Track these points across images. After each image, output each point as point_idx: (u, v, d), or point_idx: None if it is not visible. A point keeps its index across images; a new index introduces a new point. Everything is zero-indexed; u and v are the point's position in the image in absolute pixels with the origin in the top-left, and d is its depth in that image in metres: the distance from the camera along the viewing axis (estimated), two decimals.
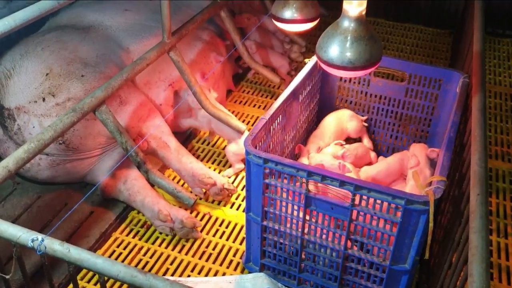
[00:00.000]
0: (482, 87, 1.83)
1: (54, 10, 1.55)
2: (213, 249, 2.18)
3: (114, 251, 2.17)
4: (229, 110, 3.03)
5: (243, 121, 2.93)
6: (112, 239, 2.22)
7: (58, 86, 2.14)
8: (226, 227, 2.29)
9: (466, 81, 2.12)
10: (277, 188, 1.79)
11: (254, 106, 3.10)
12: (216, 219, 2.33)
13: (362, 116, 2.48)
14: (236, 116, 2.99)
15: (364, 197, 1.66)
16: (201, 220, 2.31)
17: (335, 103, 2.52)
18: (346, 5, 1.45)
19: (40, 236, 1.27)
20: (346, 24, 1.48)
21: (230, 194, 2.35)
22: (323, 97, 2.50)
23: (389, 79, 2.45)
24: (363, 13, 1.46)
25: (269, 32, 3.37)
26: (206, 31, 2.86)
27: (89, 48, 2.38)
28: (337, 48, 1.49)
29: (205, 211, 2.34)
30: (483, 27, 2.26)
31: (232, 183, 2.49)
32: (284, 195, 1.80)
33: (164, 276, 2.02)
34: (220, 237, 2.24)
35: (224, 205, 2.38)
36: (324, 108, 2.52)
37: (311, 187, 1.74)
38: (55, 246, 1.26)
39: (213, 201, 2.40)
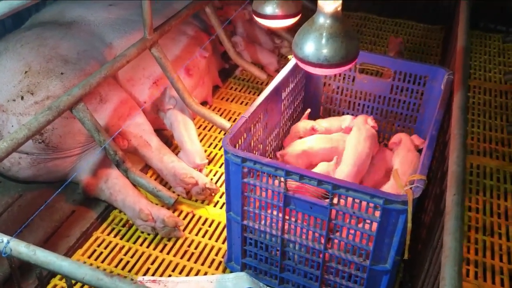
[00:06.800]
0: (464, 84, 1.81)
1: (26, 6, 1.51)
2: (195, 248, 2.16)
3: (95, 250, 2.15)
4: (215, 107, 3.03)
5: (229, 119, 2.90)
6: (93, 238, 2.20)
7: (37, 84, 2.11)
8: (209, 226, 2.26)
9: (451, 77, 2.09)
10: (256, 187, 1.77)
11: (241, 103, 3.07)
12: (199, 217, 2.30)
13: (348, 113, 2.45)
14: (222, 113, 2.97)
15: (343, 196, 1.63)
16: (184, 218, 2.28)
17: (320, 100, 2.49)
18: (321, 1, 1.42)
19: (5, 238, 1.25)
20: (322, 20, 1.45)
21: (212, 194, 2.32)
22: (308, 94, 2.47)
23: (377, 75, 2.43)
24: (339, 9, 1.43)
25: (257, 27, 3.33)
26: (190, 26, 2.83)
27: (70, 45, 2.35)
28: (313, 45, 1.46)
29: (188, 210, 2.32)
30: (468, 22, 2.23)
31: (216, 182, 2.46)
32: (263, 194, 1.77)
33: (144, 276, 2.01)
34: (203, 236, 2.21)
35: (208, 204, 2.36)
36: (309, 105, 2.48)
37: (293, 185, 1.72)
38: (21, 248, 1.23)
39: (196, 200, 2.37)
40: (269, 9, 1.94)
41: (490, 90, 3.20)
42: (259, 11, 1.96)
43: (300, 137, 2.23)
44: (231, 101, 3.09)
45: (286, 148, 2.21)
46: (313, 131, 2.25)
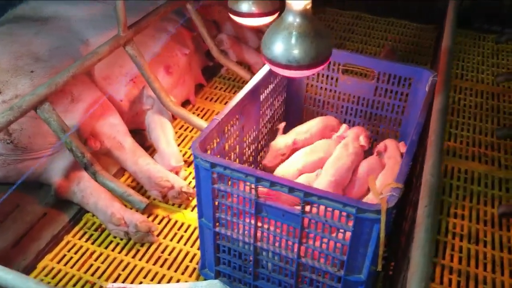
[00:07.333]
0: (446, 87, 1.73)
1: None
2: (169, 254, 2.08)
3: (64, 255, 2.07)
4: (198, 106, 2.95)
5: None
6: (64, 242, 2.13)
7: (5, 83, 2.03)
8: (185, 231, 2.19)
9: (435, 80, 2.01)
10: (227, 193, 1.69)
11: (225, 103, 2.99)
12: (175, 222, 2.23)
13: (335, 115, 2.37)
14: (205, 113, 2.89)
15: (315, 204, 1.56)
16: (159, 223, 2.21)
17: (303, 102, 2.41)
18: None
19: None
20: (290, 19, 1.37)
21: (189, 197, 2.25)
22: (290, 95, 2.39)
23: (361, 76, 2.35)
24: (308, 6, 1.36)
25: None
26: (172, 22, 2.75)
27: (43, 41, 2.28)
28: (281, 45, 1.39)
29: (164, 214, 2.24)
30: (455, 23, 2.15)
31: (194, 186, 2.38)
32: (235, 200, 1.70)
33: (114, 283, 1.94)
34: (178, 242, 2.14)
35: (185, 208, 2.28)
36: (291, 107, 2.41)
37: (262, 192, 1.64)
38: None
39: (173, 204, 2.29)
40: (245, 7, 1.86)
41: (482, 92, 3.12)
42: (234, 9, 1.88)
43: (284, 154, 2.12)
44: (215, 101, 3.01)
45: (278, 169, 2.10)
46: (295, 145, 2.15)
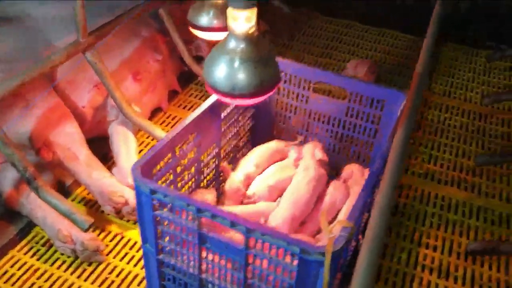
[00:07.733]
0: (412, 113, 1.59)
1: None
2: (117, 275, 1.97)
3: (6, 271, 1.96)
4: (170, 114, 2.83)
5: None
6: (7, 257, 2.01)
7: None
8: (137, 251, 2.07)
9: None
10: (170, 221, 1.57)
11: None
12: (129, 240, 2.11)
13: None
14: (177, 122, 2.77)
15: (260, 240, 1.44)
16: (111, 240, 2.10)
17: (273, 118, 2.29)
18: (230, 22, 1.22)
19: None
20: (232, 44, 1.25)
21: None
22: (259, 111, 2.26)
23: (332, 94, 2.23)
24: (252, 31, 1.23)
25: None
26: (145, 26, 2.62)
27: (6, 43, 2.17)
28: (223, 71, 1.26)
29: (118, 231, 2.13)
30: (433, 40, 2.01)
31: None
32: (178, 229, 1.58)
33: None
34: (128, 262, 2.02)
35: None
36: (260, 123, 2.29)
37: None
38: None
39: (128, 220, 2.18)
40: (204, 20, 1.74)
41: (469, 112, 2.98)
42: (194, 22, 1.75)
43: (244, 194, 1.97)
44: (189, 109, 2.88)
45: (251, 187, 1.99)
46: (250, 179, 2.02)
